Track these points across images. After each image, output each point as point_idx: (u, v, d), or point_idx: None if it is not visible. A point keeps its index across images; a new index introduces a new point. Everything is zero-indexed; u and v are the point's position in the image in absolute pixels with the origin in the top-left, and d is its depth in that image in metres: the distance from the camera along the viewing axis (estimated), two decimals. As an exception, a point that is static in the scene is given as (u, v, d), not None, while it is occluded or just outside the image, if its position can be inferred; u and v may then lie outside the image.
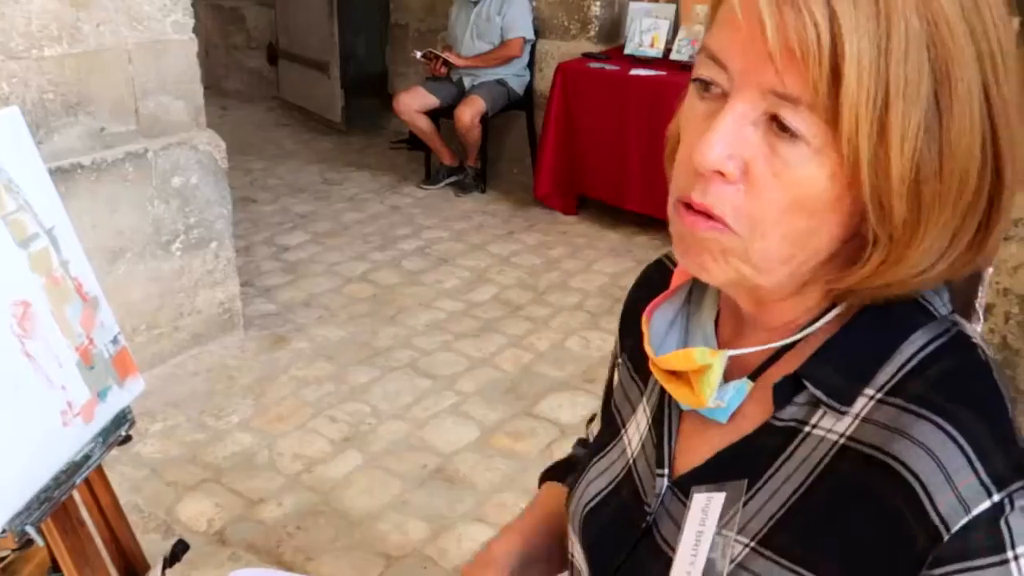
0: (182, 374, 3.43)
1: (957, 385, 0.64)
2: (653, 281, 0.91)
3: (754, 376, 0.73)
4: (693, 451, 0.77)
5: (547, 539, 0.99)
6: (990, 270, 1.76)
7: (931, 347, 0.66)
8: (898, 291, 0.66)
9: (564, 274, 4.40)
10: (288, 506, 2.73)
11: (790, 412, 0.70)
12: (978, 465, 0.60)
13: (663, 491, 0.78)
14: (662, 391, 0.81)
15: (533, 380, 3.44)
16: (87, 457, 1.29)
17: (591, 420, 1.10)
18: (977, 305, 0.78)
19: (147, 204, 3.28)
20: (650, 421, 0.83)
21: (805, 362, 0.69)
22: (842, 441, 0.66)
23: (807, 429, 0.68)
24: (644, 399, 0.86)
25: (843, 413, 0.66)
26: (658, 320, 0.80)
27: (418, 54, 5.54)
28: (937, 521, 0.60)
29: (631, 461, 0.83)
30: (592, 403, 3.27)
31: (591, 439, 1.06)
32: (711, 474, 0.74)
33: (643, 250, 4.59)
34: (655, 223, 4.59)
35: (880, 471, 0.62)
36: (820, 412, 0.68)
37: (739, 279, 0.68)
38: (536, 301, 4.12)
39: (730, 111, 0.63)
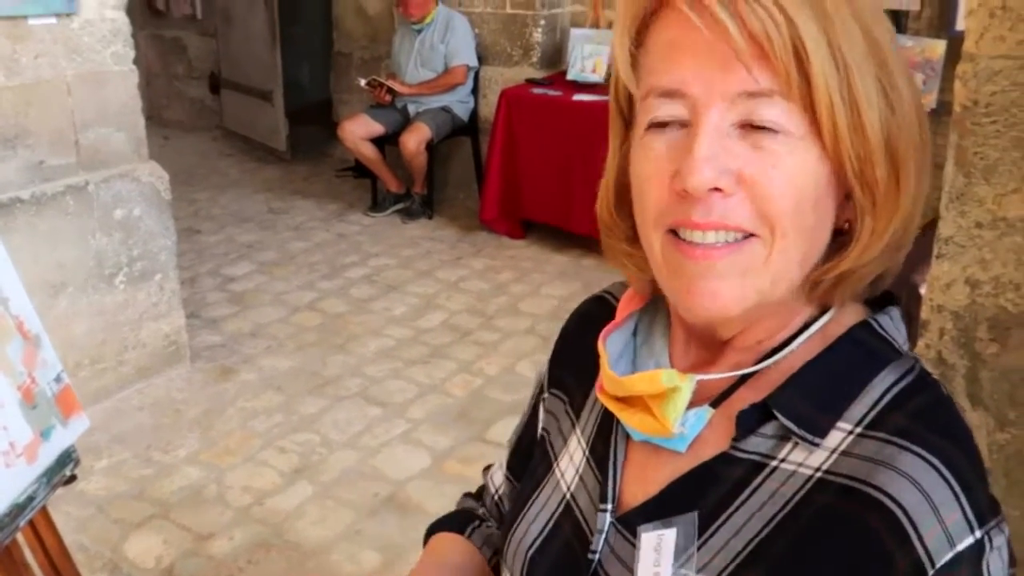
0: (127, 409, 3.38)
1: (936, 419, 0.64)
2: (594, 316, 0.90)
3: (716, 403, 0.72)
4: (644, 484, 0.75)
5: None
6: (924, 287, 1.81)
7: (902, 383, 0.66)
8: (878, 270, 0.70)
9: (512, 298, 4.41)
10: (239, 540, 2.70)
11: (754, 444, 0.68)
12: (963, 500, 0.60)
13: (607, 528, 0.75)
14: (602, 421, 0.80)
15: (484, 405, 3.44)
16: (31, 498, 1.27)
17: (487, 468, 1.07)
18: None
19: (89, 237, 3.23)
20: (587, 453, 0.81)
21: (775, 391, 0.68)
22: (818, 475, 0.64)
23: (774, 463, 0.66)
24: (577, 431, 0.84)
25: (815, 446, 0.65)
26: (610, 346, 0.79)
27: (362, 82, 5.55)
28: (922, 553, 0.59)
29: (568, 496, 0.81)
30: (543, 426, 3.28)
31: (491, 487, 1.02)
32: (661, 508, 0.71)
33: (590, 272, 4.62)
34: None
35: (862, 502, 0.61)
36: (789, 445, 0.66)
37: (755, 302, 0.67)
38: (485, 326, 4.12)
39: (705, 129, 0.64)
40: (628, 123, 0.76)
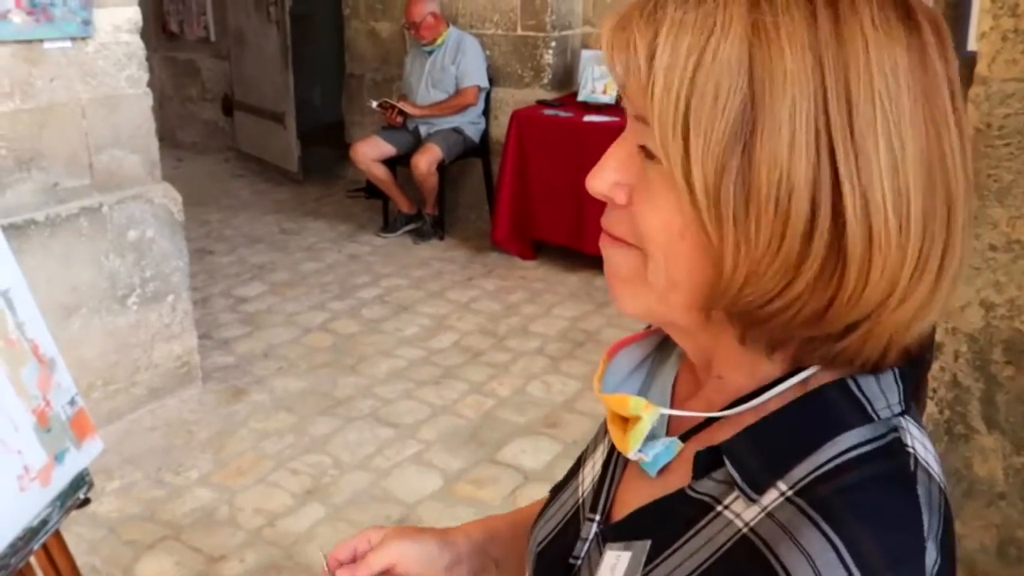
0: (139, 430, 3.38)
1: (866, 498, 0.60)
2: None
3: (686, 437, 0.71)
4: (626, 501, 0.76)
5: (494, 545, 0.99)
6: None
7: (854, 452, 0.62)
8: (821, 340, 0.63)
9: (524, 319, 4.41)
10: (250, 562, 2.69)
11: (707, 486, 0.67)
12: None
13: (591, 537, 0.77)
14: None
15: (495, 426, 3.43)
16: (45, 522, 1.27)
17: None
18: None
19: (102, 258, 3.25)
20: (602, 464, 0.82)
21: (731, 437, 0.66)
22: (744, 530, 0.62)
23: (719, 508, 0.65)
24: (605, 439, 0.84)
25: (752, 501, 0.63)
26: (622, 360, 0.79)
27: (374, 103, 5.58)
28: None
29: (580, 502, 0.82)
30: (555, 447, 3.27)
31: None
32: (628, 529, 0.72)
33: (602, 293, 4.62)
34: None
35: (763, 570, 0.59)
36: (735, 494, 0.64)
37: (647, 309, 0.68)
38: (496, 347, 4.12)
39: (617, 141, 0.66)
40: None
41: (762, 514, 0.62)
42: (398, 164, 5.52)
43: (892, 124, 0.57)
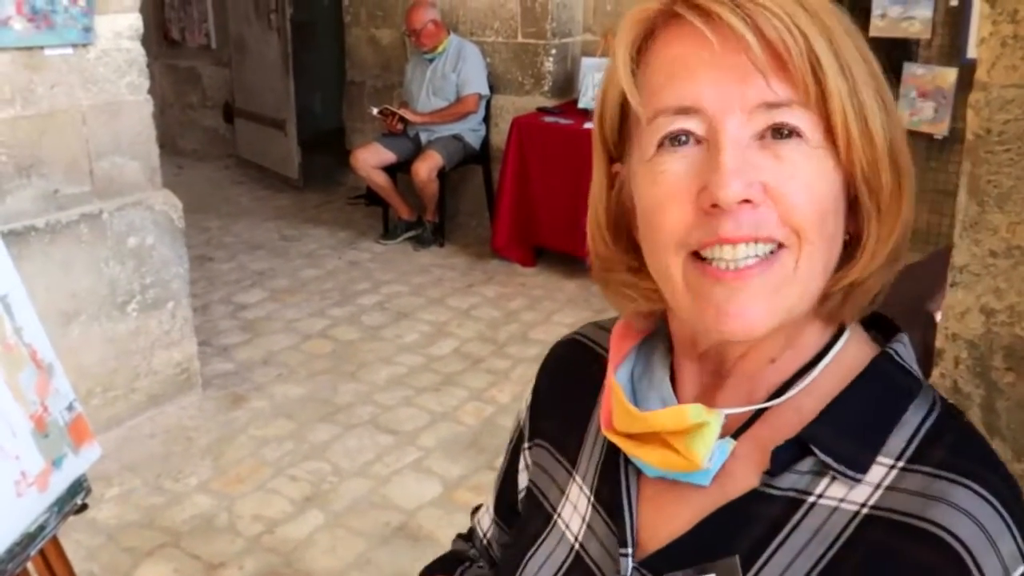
0: (138, 437, 3.38)
1: (976, 450, 0.65)
2: (570, 360, 0.89)
3: (737, 434, 0.70)
4: (664, 523, 0.72)
5: None
6: (939, 314, 1.80)
7: (933, 415, 0.66)
8: (881, 282, 0.70)
9: (524, 326, 4.41)
10: (249, 569, 2.68)
11: (789, 480, 0.66)
12: (1015, 529, 0.61)
13: (628, 574, 0.72)
14: (604, 463, 0.77)
15: (495, 433, 3.43)
16: (42, 528, 1.26)
17: (475, 510, 1.04)
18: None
19: (102, 265, 3.25)
20: (591, 500, 0.78)
21: (809, 425, 0.66)
22: (865, 511, 0.63)
23: (811, 499, 0.65)
24: (576, 478, 0.81)
25: (856, 481, 0.64)
26: (621, 379, 0.77)
27: (374, 110, 5.59)
28: None
29: (577, 546, 0.77)
30: (555, 455, 3.26)
31: (479, 530, 1.00)
32: (690, 549, 0.69)
33: (601, 300, 4.58)
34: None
35: (919, 538, 0.61)
36: (826, 480, 0.65)
37: (783, 318, 0.66)
38: (496, 354, 4.12)
39: (727, 142, 0.64)
40: (612, 156, 0.75)
41: (880, 490, 0.64)
42: (398, 171, 5.52)
43: (878, 85, 0.69)
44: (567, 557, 0.77)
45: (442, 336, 4.31)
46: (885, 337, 0.74)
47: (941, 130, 4.25)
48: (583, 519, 0.78)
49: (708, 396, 0.74)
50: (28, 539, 1.24)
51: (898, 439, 0.65)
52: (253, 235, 5.81)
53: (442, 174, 5.37)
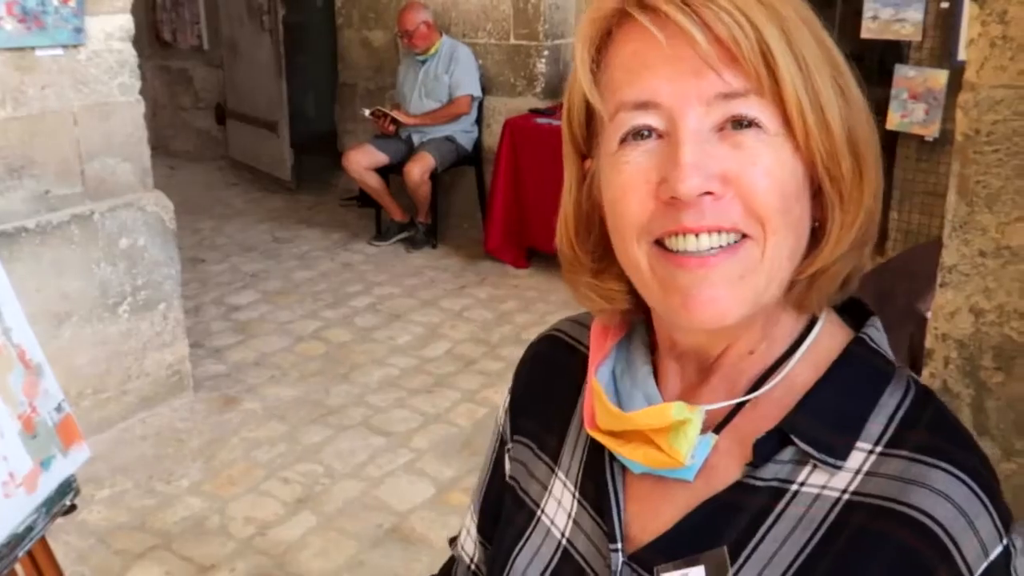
0: (130, 438, 3.37)
1: (951, 431, 0.66)
2: (549, 357, 0.89)
3: (718, 429, 0.71)
4: (651, 518, 0.73)
5: None
6: (929, 314, 1.80)
7: (908, 398, 0.67)
8: (847, 268, 0.70)
9: (516, 327, 4.41)
10: (241, 571, 2.68)
11: (771, 470, 0.67)
12: (991, 508, 0.62)
13: (619, 569, 0.72)
14: (588, 460, 0.78)
15: (488, 435, 3.40)
16: (30, 529, 1.26)
17: (453, 540, 1.03)
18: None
19: (93, 266, 3.24)
20: (576, 495, 0.78)
21: (788, 415, 0.67)
22: (846, 497, 0.64)
23: (794, 487, 0.66)
24: (558, 474, 0.81)
25: (837, 468, 0.65)
26: (600, 381, 0.77)
27: (366, 112, 5.58)
28: (963, 566, 0.61)
29: (564, 542, 0.78)
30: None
31: (464, 558, 0.99)
32: (678, 543, 0.69)
33: (594, 302, 4.60)
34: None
35: (899, 521, 0.62)
36: (808, 468, 0.66)
37: (752, 306, 0.67)
38: (489, 355, 4.11)
39: (686, 135, 0.65)
40: (583, 153, 0.76)
41: (859, 476, 0.64)
42: (391, 172, 5.52)
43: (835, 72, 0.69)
44: (555, 553, 0.78)
45: (435, 338, 4.30)
46: (858, 322, 0.74)
47: (932, 132, 4.27)
48: (568, 515, 0.78)
49: (691, 392, 0.74)
50: (16, 540, 1.23)
51: (876, 424, 0.66)
52: (245, 237, 5.80)
53: (435, 175, 5.37)
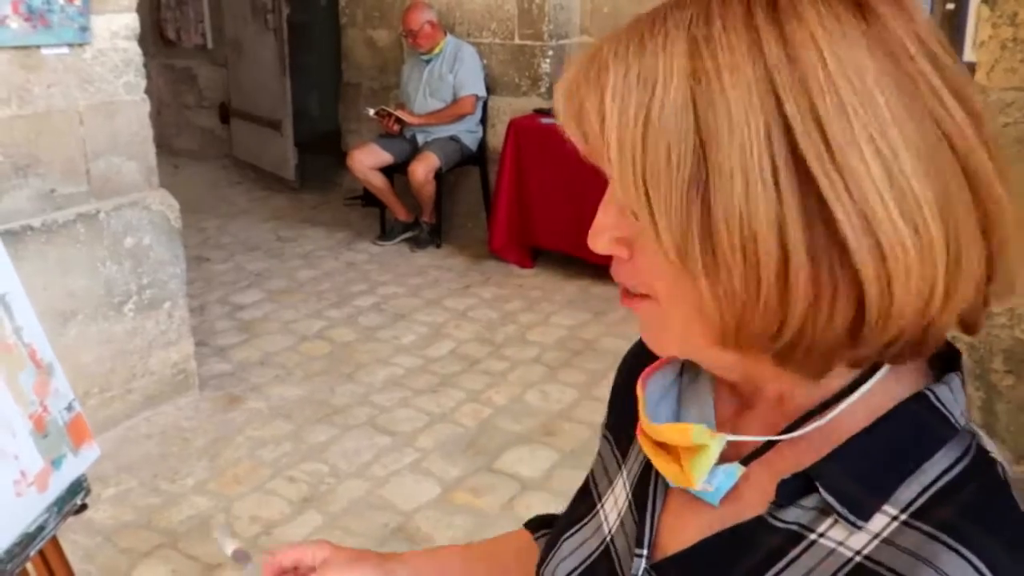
0: (135, 437, 3.37)
1: (987, 513, 0.60)
2: (641, 356, 0.86)
3: (747, 460, 0.69)
4: (679, 531, 0.72)
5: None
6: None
7: (957, 468, 0.61)
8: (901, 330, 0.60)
9: (521, 327, 4.41)
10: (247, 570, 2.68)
11: (793, 514, 0.64)
12: None
13: (639, 574, 0.73)
14: (646, 465, 0.77)
15: (493, 435, 3.43)
16: (41, 528, 1.26)
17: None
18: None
19: (99, 265, 3.24)
20: (629, 496, 0.78)
21: (819, 462, 0.63)
22: (858, 559, 0.61)
23: (812, 536, 0.63)
24: (623, 473, 0.81)
25: (857, 528, 0.61)
26: (652, 388, 0.76)
27: (371, 111, 5.58)
28: None
29: (608, 538, 0.78)
30: (553, 456, 3.27)
31: None
32: (695, 561, 0.69)
33: (599, 301, 4.61)
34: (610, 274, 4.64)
35: None
36: (830, 520, 0.63)
37: (680, 352, 0.67)
38: (494, 355, 4.11)
39: (607, 197, 0.66)
40: None
41: (876, 541, 0.60)
42: (395, 172, 5.52)
43: (875, 131, 0.54)
44: (598, 547, 0.79)
45: (439, 337, 4.30)
46: (941, 372, 0.67)
47: (938, 132, 4.26)
48: (619, 514, 0.79)
49: (735, 419, 0.73)
50: (28, 539, 1.23)
51: (909, 490, 0.61)
52: (250, 236, 5.80)
53: (439, 175, 5.37)
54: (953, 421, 0.63)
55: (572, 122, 0.63)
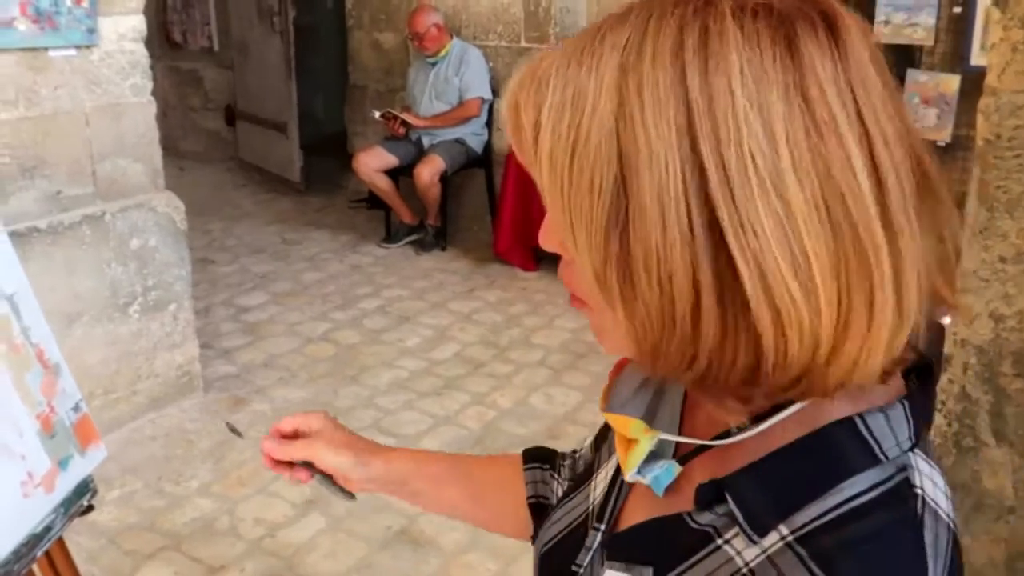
0: (140, 439, 3.37)
1: (871, 552, 0.58)
2: None
3: (685, 460, 0.70)
4: (632, 513, 0.75)
5: (416, 474, 1.06)
6: (947, 319, 1.79)
7: (860, 499, 0.60)
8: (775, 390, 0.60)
9: (525, 330, 4.40)
10: (250, 572, 2.68)
11: (708, 518, 0.65)
12: None
13: (594, 546, 0.76)
14: None
15: (498, 438, 3.42)
16: (48, 529, 1.26)
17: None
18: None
19: (104, 267, 3.24)
20: (611, 473, 0.81)
21: (735, 472, 0.64)
22: (744, 570, 0.61)
23: (719, 541, 0.64)
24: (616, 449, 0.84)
25: (754, 542, 0.61)
26: (629, 377, 0.78)
27: (376, 114, 5.58)
28: None
29: (589, 509, 0.81)
30: (557, 460, 3.25)
31: (580, 445, 1.03)
32: (628, 545, 0.72)
33: (604, 305, 4.59)
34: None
35: None
36: (735, 529, 0.63)
37: (626, 355, 0.68)
38: (498, 358, 4.11)
39: None
40: None
41: (762, 556, 0.60)
42: (400, 175, 5.52)
43: (770, 183, 0.53)
44: (580, 516, 0.81)
45: (444, 340, 4.30)
46: (919, 387, 0.67)
47: (944, 137, 4.25)
48: (604, 488, 0.81)
49: (688, 418, 0.75)
50: (34, 540, 1.23)
51: (806, 513, 0.60)
52: (255, 238, 5.81)
53: (444, 178, 5.37)
54: (878, 451, 0.61)
55: (513, 132, 0.63)
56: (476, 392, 3.78)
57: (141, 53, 3.30)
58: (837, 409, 0.62)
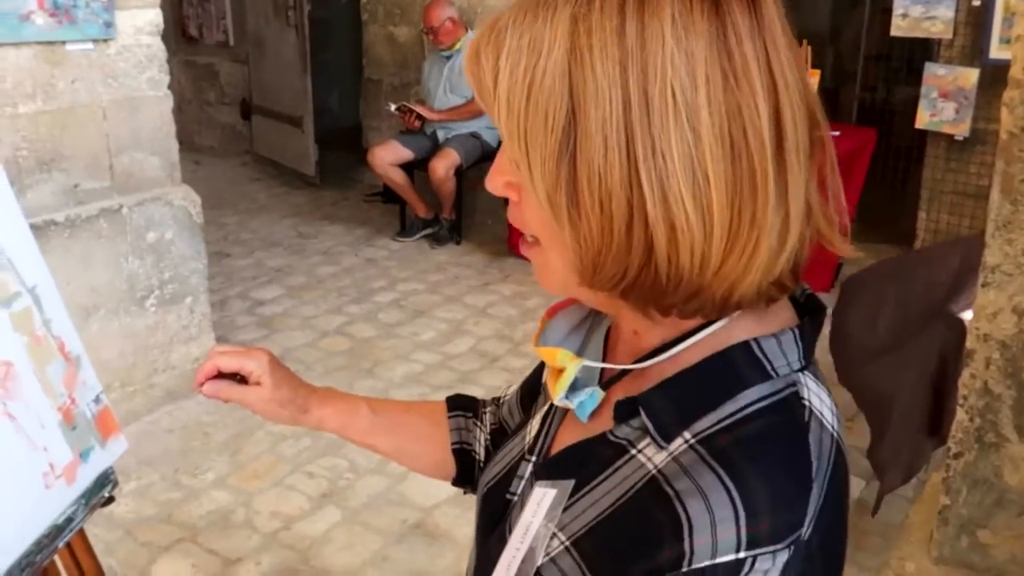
0: (156, 431, 3.38)
1: (760, 447, 0.67)
2: None
3: (607, 385, 0.79)
4: (561, 442, 0.83)
5: (342, 411, 1.14)
6: (968, 314, 1.78)
7: (753, 407, 0.69)
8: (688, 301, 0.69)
9: (540, 325, 4.39)
10: (266, 565, 2.69)
11: (625, 431, 0.74)
12: (742, 523, 0.64)
13: (527, 476, 0.84)
14: None
15: (512, 432, 3.42)
16: (70, 520, 1.26)
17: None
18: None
19: (121, 260, 3.25)
20: (543, 412, 0.89)
21: (648, 390, 0.73)
22: (653, 472, 0.70)
23: (633, 452, 0.72)
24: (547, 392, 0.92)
25: (662, 448, 0.70)
26: (561, 320, 0.86)
27: (392, 107, 5.59)
28: (687, 550, 0.64)
29: (525, 446, 0.89)
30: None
31: (506, 392, 1.13)
32: (556, 467, 0.79)
33: (618, 300, 4.59)
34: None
35: (660, 499, 0.67)
36: (648, 439, 0.71)
37: (562, 289, 0.75)
38: (513, 352, 4.11)
39: (503, 144, 0.72)
40: None
41: (668, 458, 0.69)
42: (416, 168, 5.52)
43: (685, 116, 0.62)
44: (518, 455, 0.89)
45: (459, 334, 4.30)
46: (809, 322, 0.76)
47: (962, 130, 4.23)
48: (537, 426, 0.89)
49: (611, 351, 0.84)
50: (56, 531, 1.24)
51: (706, 420, 0.69)
52: (270, 232, 5.82)
53: (459, 172, 5.37)
54: (769, 368, 0.70)
55: (473, 79, 0.70)
56: (491, 386, 3.78)
57: (158, 46, 3.31)
58: (737, 336, 0.72)
